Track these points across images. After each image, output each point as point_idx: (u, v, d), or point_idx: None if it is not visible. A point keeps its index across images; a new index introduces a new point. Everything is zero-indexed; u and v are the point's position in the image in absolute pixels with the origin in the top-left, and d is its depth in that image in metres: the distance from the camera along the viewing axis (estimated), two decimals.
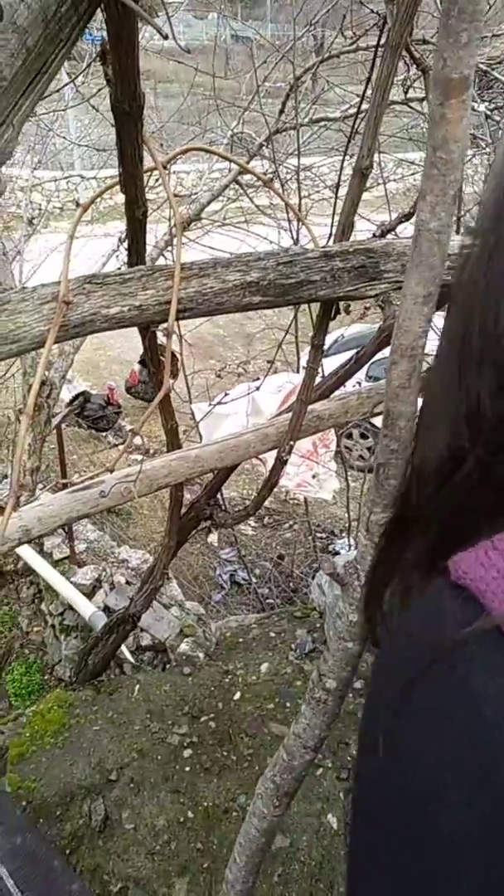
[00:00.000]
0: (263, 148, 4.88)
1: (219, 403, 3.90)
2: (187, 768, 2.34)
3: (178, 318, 1.39)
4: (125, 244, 1.79)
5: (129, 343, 10.64)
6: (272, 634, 2.82)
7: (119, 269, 1.89)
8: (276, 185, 1.48)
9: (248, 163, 5.09)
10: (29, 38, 0.93)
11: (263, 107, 5.25)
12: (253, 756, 2.39)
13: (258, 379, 7.74)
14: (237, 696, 2.57)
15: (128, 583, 4.78)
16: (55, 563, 5.70)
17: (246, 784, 2.31)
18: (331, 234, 1.96)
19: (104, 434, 8.86)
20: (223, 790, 2.30)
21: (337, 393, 2.10)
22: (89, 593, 4.65)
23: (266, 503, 7.13)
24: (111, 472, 1.61)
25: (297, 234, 4.57)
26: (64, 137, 7.76)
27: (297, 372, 4.79)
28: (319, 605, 2.96)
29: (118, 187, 1.54)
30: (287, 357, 5.36)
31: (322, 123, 4.57)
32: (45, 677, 5.60)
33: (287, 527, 7.83)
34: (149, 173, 1.49)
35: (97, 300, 1.33)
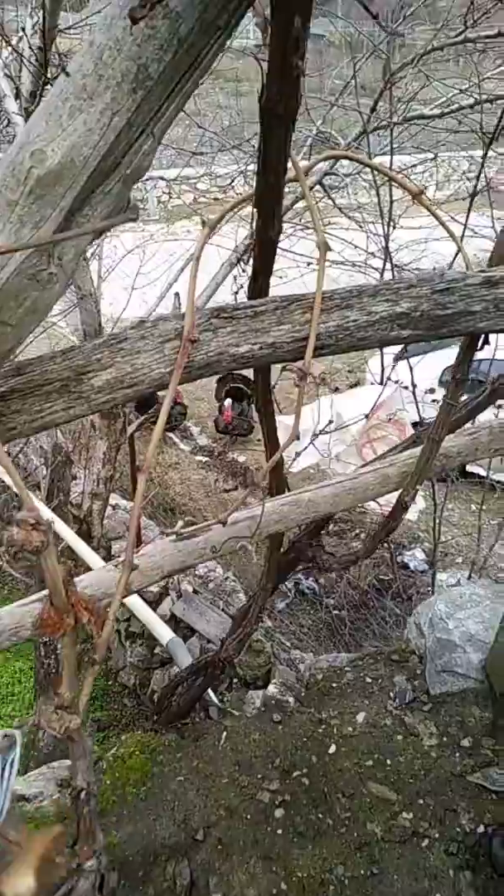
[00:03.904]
0: (350, 146, 4.63)
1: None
2: (279, 831, 2.14)
3: (314, 356, 1.19)
4: (243, 259, 1.61)
5: None
6: (368, 680, 2.59)
7: (236, 292, 1.70)
8: (425, 199, 1.25)
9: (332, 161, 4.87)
10: (182, 26, 0.73)
11: (343, 104, 5.01)
12: (351, 820, 2.17)
13: (337, 390, 7.49)
14: (332, 749, 2.35)
15: (195, 591, 4.65)
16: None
17: (344, 853, 2.10)
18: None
19: (169, 434, 8.84)
20: (319, 859, 2.10)
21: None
22: (156, 601, 4.53)
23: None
24: (223, 524, 1.42)
25: (385, 239, 4.30)
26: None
27: (383, 384, 4.53)
28: (418, 647, 2.72)
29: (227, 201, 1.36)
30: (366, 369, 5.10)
31: (417, 122, 4.29)
32: (109, 682, 5.54)
33: (353, 535, 7.55)
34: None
35: (225, 337, 1.13)
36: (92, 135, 0.77)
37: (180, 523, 1.52)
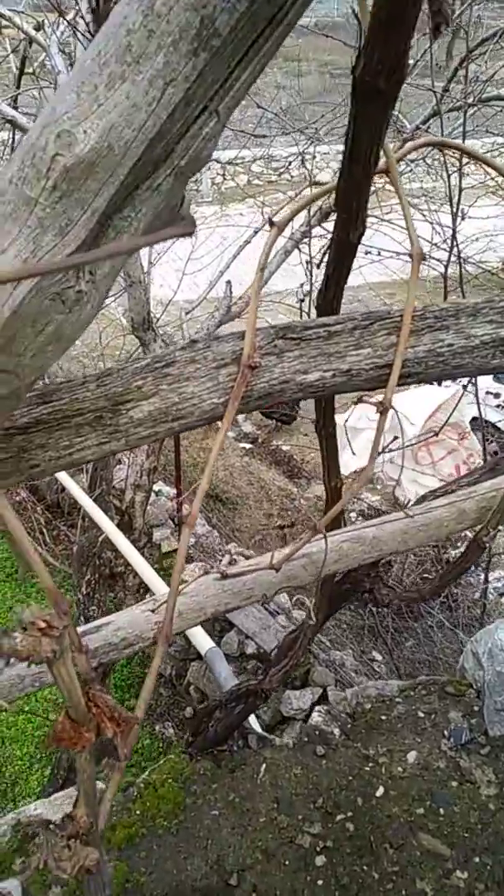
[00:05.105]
0: (419, 130, 4.36)
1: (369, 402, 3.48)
2: (320, 881, 1.96)
3: (397, 385, 0.98)
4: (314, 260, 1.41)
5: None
6: (420, 714, 2.39)
7: (301, 300, 1.50)
8: None
9: (399, 147, 4.59)
10: None
11: (413, 83, 4.72)
12: (399, 875, 1.98)
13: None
14: (380, 791, 2.16)
15: None
16: (163, 556, 5.53)
17: None
18: None
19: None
20: None
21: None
22: None
23: (374, 502, 6.59)
24: (276, 570, 1.23)
25: (453, 230, 4.01)
26: None
27: (440, 384, 4.26)
28: (475, 680, 2.50)
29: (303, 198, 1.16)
30: None
31: (494, 103, 3.98)
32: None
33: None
34: None
35: (292, 362, 0.94)
36: (137, 112, 0.58)
37: (226, 559, 1.35)
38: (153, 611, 1.27)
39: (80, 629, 1.29)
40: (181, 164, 0.63)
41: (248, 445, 9.20)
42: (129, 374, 0.90)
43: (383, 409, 0.98)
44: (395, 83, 0.71)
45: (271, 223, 0.97)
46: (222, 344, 0.92)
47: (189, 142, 0.62)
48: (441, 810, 2.11)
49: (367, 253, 4.31)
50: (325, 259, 1.11)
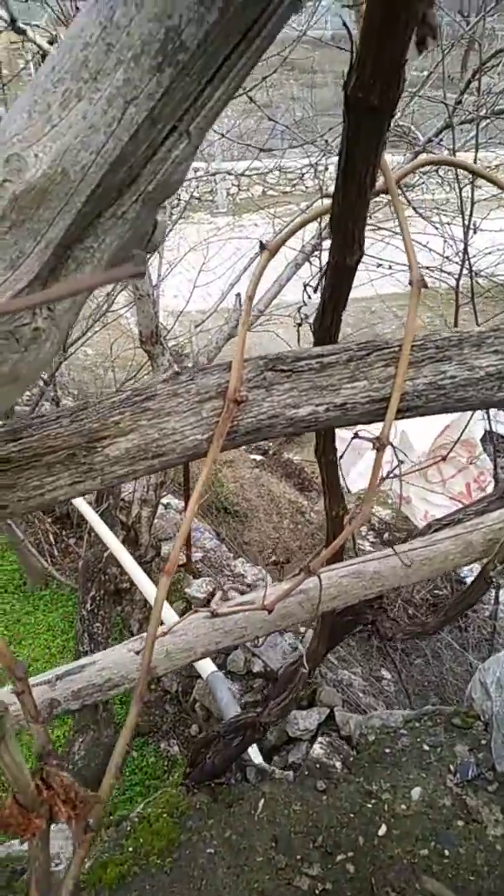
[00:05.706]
0: (431, 142, 4.29)
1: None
2: None
3: (395, 419, 0.92)
4: (313, 284, 1.35)
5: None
6: (426, 748, 2.30)
7: (299, 324, 1.47)
8: None
9: (412, 160, 4.52)
10: None
11: (425, 95, 4.68)
12: None
13: None
14: (382, 830, 2.07)
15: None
16: None
17: None
18: None
19: None
20: None
21: None
22: (203, 606, 4.33)
23: (386, 517, 6.48)
24: (269, 611, 1.16)
25: (465, 243, 3.94)
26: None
27: None
28: (483, 711, 2.41)
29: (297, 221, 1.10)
30: None
31: None
32: (152, 687, 5.39)
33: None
34: None
35: (281, 396, 0.87)
36: (95, 133, 0.52)
37: (218, 595, 1.29)
38: (137, 652, 1.20)
39: (62, 668, 1.22)
40: (149, 190, 0.57)
41: (258, 457, 9.13)
42: (106, 408, 0.84)
43: (380, 445, 0.91)
44: (390, 100, 0.65)
45: (262, 247, 0.91)
46: (207, 376, 0.86)
47: (157, 165, 0.56)
48: (446, 851, 2.02)
49: (378, 266, 4.24)
50: (321, 283, 1.04)
